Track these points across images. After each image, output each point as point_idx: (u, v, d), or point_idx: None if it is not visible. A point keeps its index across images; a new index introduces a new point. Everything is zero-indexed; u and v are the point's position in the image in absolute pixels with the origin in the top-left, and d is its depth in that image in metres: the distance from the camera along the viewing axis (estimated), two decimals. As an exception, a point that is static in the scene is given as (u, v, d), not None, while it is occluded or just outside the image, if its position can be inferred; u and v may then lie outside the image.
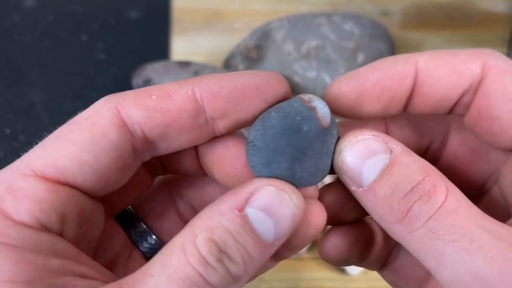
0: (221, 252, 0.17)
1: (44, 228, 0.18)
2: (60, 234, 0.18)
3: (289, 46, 0.46)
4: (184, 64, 0.44)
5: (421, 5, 0.58)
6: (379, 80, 0.20)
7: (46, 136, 0.20)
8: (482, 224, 0.18)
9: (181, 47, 0.53)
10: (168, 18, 0.55)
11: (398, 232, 0.19)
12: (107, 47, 0.53)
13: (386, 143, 0.20)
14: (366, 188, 0.19)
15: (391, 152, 0.19)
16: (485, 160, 0.23)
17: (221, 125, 0.20)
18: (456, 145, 0.23)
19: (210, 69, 0.44)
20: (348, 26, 0.46)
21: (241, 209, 0.18)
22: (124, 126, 0.19)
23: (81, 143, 0.18)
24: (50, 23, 0.54)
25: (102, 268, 0.19)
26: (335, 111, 0.21)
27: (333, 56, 0.45)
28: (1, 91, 0.49)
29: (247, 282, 0.19)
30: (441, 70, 0.20)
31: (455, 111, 0.21)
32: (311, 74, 0.45)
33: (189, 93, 0.19)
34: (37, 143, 0.19)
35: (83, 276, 0.18)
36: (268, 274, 0.39)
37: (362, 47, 0.46)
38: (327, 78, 0.45)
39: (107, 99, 0.20)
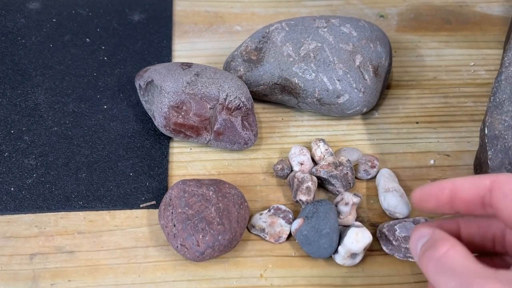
0: None
1: None
2: None
3: (288, 48, 0.47)
4: (186, 66, 0.45)
5: (418, 8, 0.59)
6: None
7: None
8: (471, 271, 0.27)
9: (182, 49, 0.54)
10: (170, 21, 0.56)
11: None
12: (110, 49, 0.53)
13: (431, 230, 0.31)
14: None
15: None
16: None
17: None
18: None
19: (212, 71, 0.45)
20: (346, 28, 0.47)
21: None
22: None
23: None
24: (54, 25, 0.55)
25: None
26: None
27: (331, 58, 0.46)
28: (6, 92, 0.50)
29: None
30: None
31: None
32: (310, 75, 0.46)
33: None
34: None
35: None
36: (268, 272, 0.40)
37: (360, 49, 0.46)
38: (325, 79, 0.45)
39: None
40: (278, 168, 0.44)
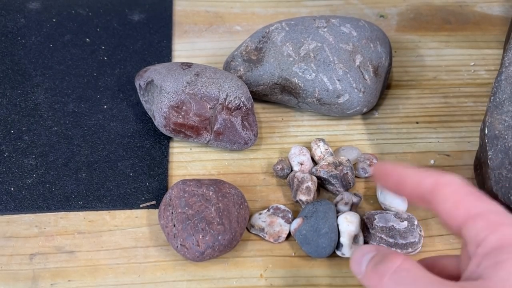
0: None
1: None
2: None
3: (288, 48, 0.47)
4: (186, 66, 0.45)
5: (418, 8, 0.59)
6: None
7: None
8: (431, 281, 0.27)
9: (182, 49, 0.54)
10: (170, 21, 0.56)
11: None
12: (110, 49, 0.53)
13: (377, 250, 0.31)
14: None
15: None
16: None
17: None
18: None
19: (212, 71, 0.45)
20: (346, 28, 0.47)
21: None
22: None
23: None
24: (54, 25, 0.55)
25: None
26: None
27: (331, 58, 0.46)
28: (6, 92, 0.50)
29: None
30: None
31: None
32: (310, 75, 0.46)
33: None
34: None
35: None
36: (268, 272, 0.40)
37: (360, 49, 0.46)
38: (325, 79, 0.45)
39: None
40: (278, 168, 0.44)
